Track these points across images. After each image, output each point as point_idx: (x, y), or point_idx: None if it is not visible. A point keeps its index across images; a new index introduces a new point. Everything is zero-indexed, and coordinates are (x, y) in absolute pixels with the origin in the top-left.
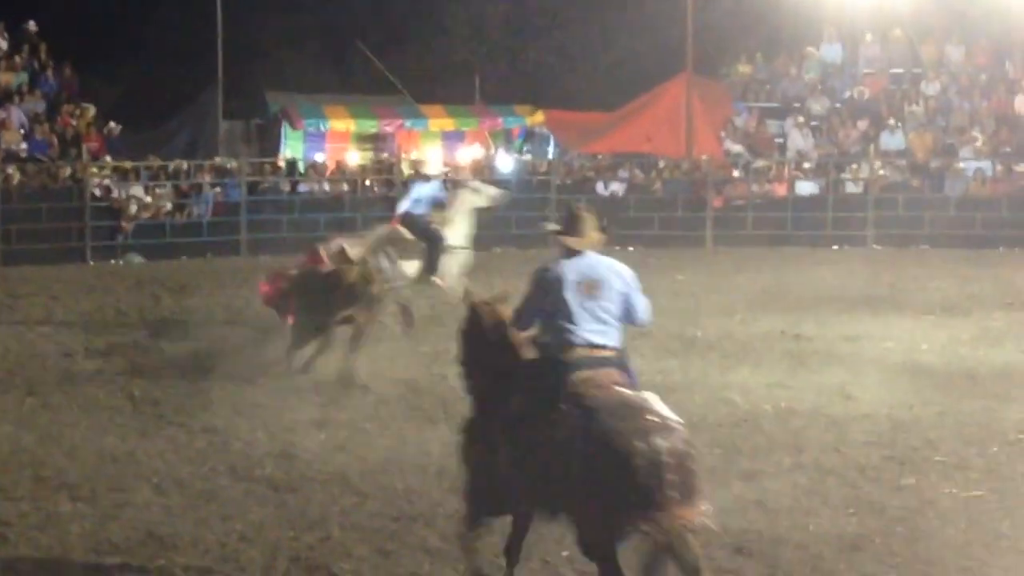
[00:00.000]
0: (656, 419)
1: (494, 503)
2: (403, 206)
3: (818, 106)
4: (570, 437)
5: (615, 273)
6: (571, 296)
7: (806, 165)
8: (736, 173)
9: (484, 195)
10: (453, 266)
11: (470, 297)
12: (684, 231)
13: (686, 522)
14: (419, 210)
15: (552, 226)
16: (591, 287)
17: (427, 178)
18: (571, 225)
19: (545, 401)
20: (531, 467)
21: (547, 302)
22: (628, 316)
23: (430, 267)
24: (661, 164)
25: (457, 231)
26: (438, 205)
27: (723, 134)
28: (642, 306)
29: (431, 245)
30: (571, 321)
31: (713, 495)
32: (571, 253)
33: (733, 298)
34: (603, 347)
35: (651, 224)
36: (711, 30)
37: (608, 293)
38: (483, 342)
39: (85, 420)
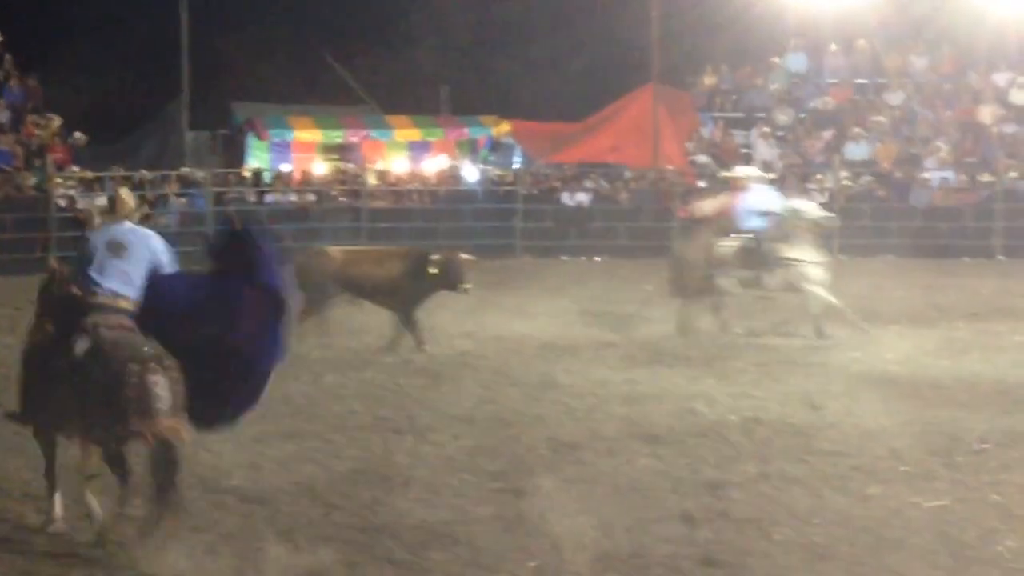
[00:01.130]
0: (151, 351)
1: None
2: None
3: (783, 116)
4: (82, 360)
5: (144, 243)
6: (100, 255)
7: (770, 175)
8: (702, 183)
9: (810, 218)
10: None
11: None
12: (651, 241)
13: (169, 430)
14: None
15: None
16: (117, 249)
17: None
18: (111, 205)
19: (67, 332)
20: (58, 386)
21: (86, 260)
22: (157, 270)
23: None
24: (627, 174)
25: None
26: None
27: (689, 144)
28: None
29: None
30: (100, 274)
31: (681, 505)
32: (111, 223)
33: (699, 308)
34: (123, 297)
35: (618, 234)
36: (677, 40)
37: (133, 256)
38: (50, 294)
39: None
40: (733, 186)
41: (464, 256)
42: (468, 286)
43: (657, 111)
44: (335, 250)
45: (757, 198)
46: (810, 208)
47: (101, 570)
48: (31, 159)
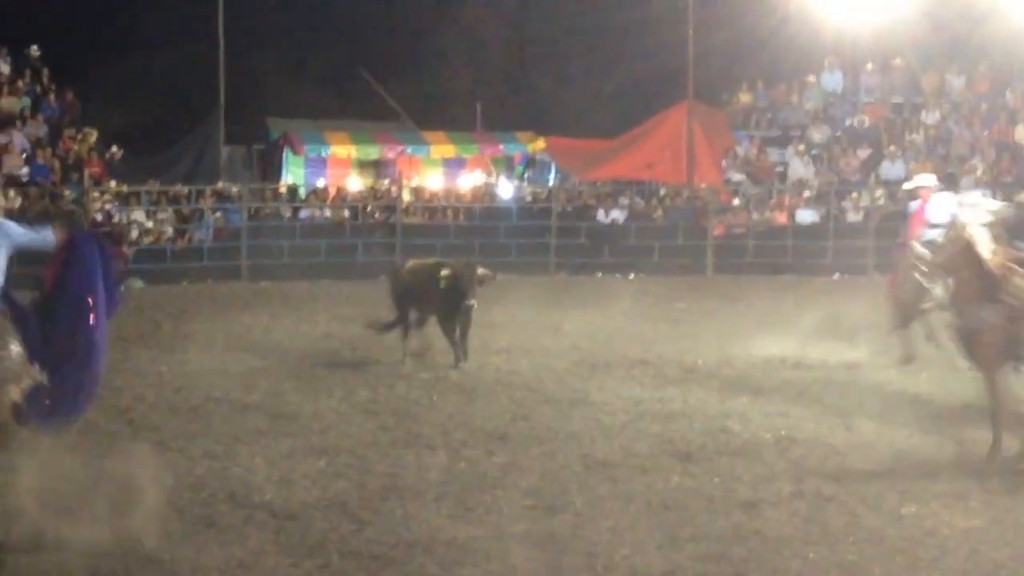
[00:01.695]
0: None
1: None
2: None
3: (819, 134)
4: None
5: (3, 233)
6: None
7: (807, 194)
8: (736, 201)
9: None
10: None
11: None
12: (685, 259)
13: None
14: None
15: None
16: None
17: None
18: None
19: None
20: None
21: None
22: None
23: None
24: (662, 192)
25: None
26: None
27: (724, 162)
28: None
29: None
30: None
31: (714, 523)
32: None
33: (733, 326)
34: None
35: (651, 252)
36: (712, 58)
37: None
38: None
39: (84, 444)
40: (919, 196)
41: (481, 270)
42: (471, 302)
43: (692, 129)
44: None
45: (938, 206)
46: (985, 202)
47: None
48: (68, 173)
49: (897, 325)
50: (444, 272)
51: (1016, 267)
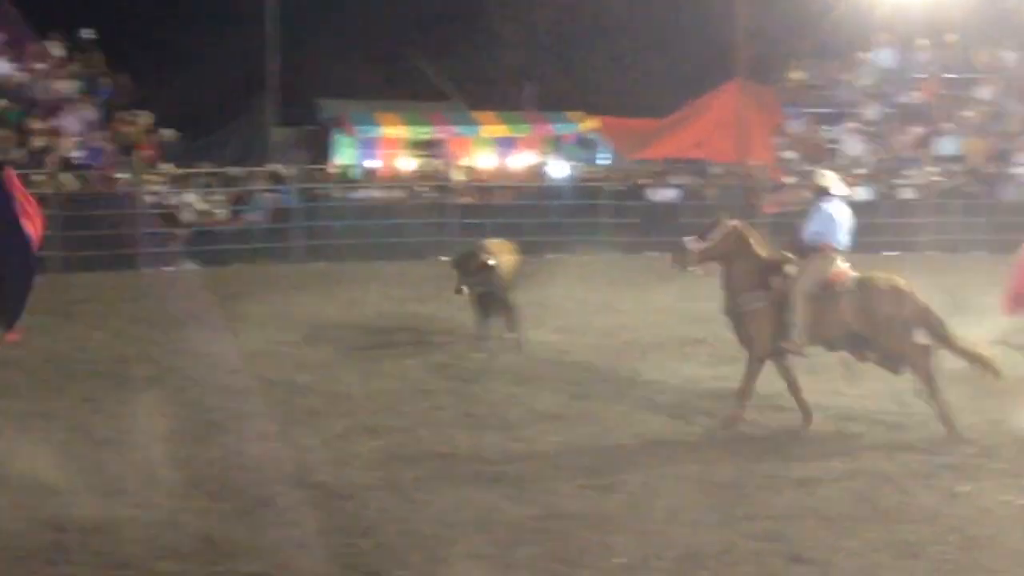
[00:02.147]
0: None
1: None
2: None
3: (871, 111)
4: None
5: None
6: None
7: (860, 171)
8: (788, 179)
9: None
10: None
11: None
12: None
13: None
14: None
15: None
16: None
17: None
18: None
19: None
20: None
21: None
22: None
23: None
24: (714, 170)
25: None
26: None
27: (776, 140)
28: None
29: None
30: None
31: (769, 502)
32: None
33: None
34: None
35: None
36: (763, 35)
37: None
38: None
39: (140, 427)
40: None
41: (483, 255)
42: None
43: (743, 106)
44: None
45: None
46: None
47: (193, 564)
48: (121, 156)
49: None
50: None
51: (788, 255)
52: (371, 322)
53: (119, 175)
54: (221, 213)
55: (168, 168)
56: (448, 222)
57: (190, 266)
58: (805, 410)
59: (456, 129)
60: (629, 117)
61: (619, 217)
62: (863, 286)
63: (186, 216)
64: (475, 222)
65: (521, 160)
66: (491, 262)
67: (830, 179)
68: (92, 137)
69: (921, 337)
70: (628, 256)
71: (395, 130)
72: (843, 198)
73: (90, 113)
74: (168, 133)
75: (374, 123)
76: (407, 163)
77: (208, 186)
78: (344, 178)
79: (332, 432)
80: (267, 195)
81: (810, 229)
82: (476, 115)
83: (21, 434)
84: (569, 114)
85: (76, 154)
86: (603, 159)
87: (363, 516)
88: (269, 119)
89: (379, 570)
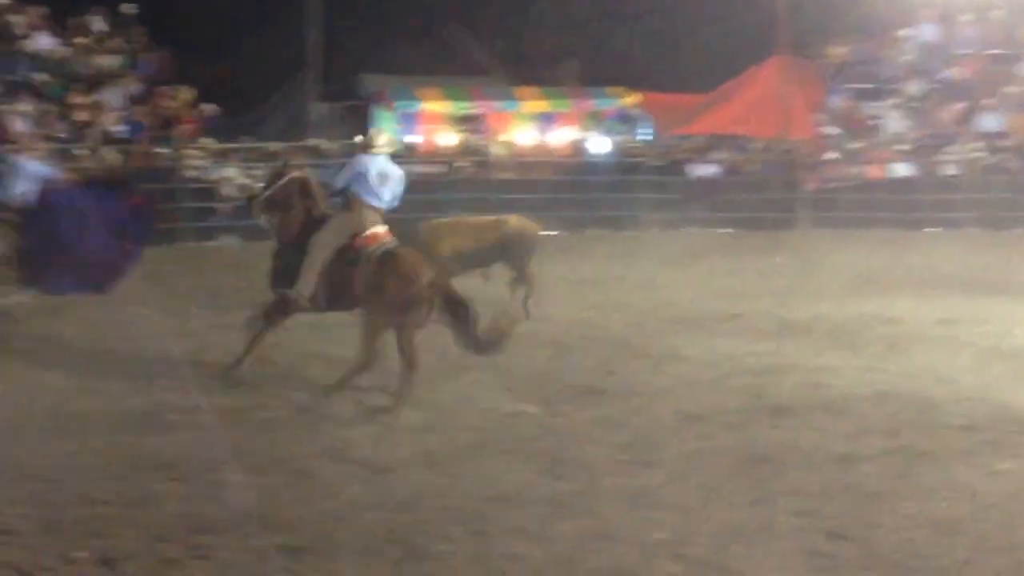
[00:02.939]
0: None
1: None
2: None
3: (914, 87)
4: None
5: None
6: None
7: (902, 147)
8: (831, 155)
9: None
10: None
11: None
12: (779, 213)
13: None
14: None
15: None
16: None
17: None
18: None
19: None
20: None
21: None
22: None
23: None
24: (756, 146)
25: None
26: None
27: (818, 116)
28: None
29: None
30: None
31: (808, 479)
32: None
33: (827, 281)
34: None
35: (744, 206)
36: (805, 10)
37: None
38: None
39: (181, 400)
40: None
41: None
42: None
43: (785, 82)
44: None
45: None
46: None
47: (233, 538)
48: (162, 131)
49: None
50: None
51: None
52: None
53: (160, 150)
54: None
55: (209, 143)
56: (488, 197)
57: (231, 240)
58: (240, 361)
59: (497, 104)
60: (670, 92)
61: (659, 193)
62: (384, 259)
63: (227, 191)
64: (515, 197)
65: (561, 136)
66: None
67: (375, 137)
68: (133, 112)
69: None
70: (668, 232)
71: (436, 105)
72: (388, 157)
73: (131, 88)
74: (209, 108)
75: (415, 98)
76: (447, 138)
77: (249, 161)
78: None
79: (373, 406)
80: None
81: (339, 180)
82: (517, 90)
83: (59, 407)
84: (609, 89)
85: (117, 129)
86: (643, 135)
87: (403, 490)
88: (310, 94)
89: (419, 544)
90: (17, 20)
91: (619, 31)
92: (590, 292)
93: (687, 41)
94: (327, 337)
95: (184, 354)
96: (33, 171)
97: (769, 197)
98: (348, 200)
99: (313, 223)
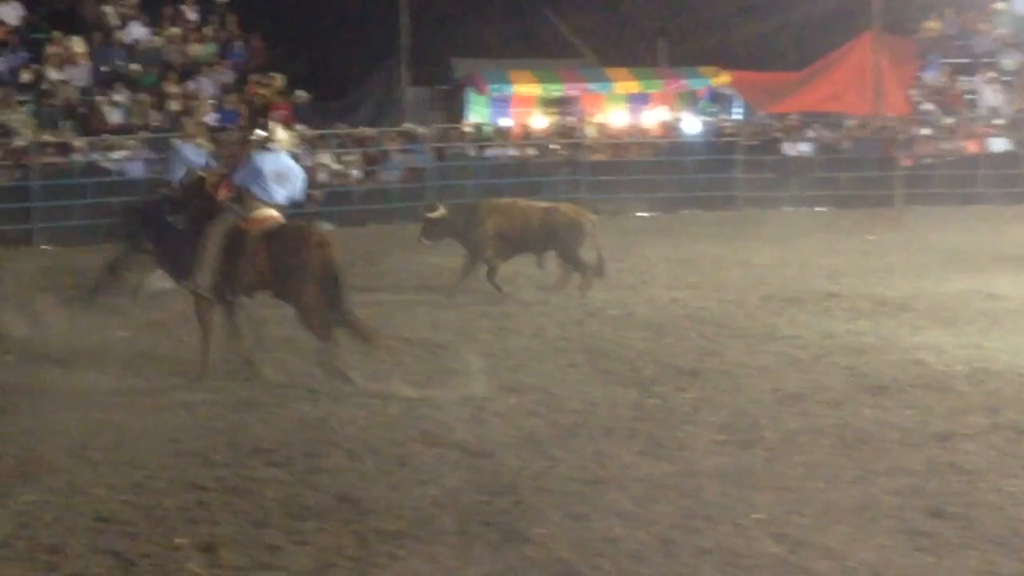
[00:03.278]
0: None
1: None
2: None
3: (1010, 61)
4: None
5: None
6: None
7: (998, 121)
8: (926, 131)
9: None
10: None
11: None
12: (874, 190)
13: None
14: None
15: None
16: None
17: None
18: None
19: None
20: None
21: None
22: None
23: None
24: (850, 123)
25: None
26: None
27: (912, 92)
28: None
29: None
30: None
31: (908, 457)
32: None
33: (924, 258)
34: None
35: (840, 184)
36: None
37: None
38: None
39: (278, 387)
40: None
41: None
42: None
43: (879, 58)
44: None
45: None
46: None
47: (331, 523)
48: (255, 118)
49: None
50: None
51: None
52: (505, 280)
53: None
54: (355, 174)
55: (302, 130)
56: (581, 179)
57: (326, 226)
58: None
59: (589, 86)
60: (762, 70)
61: (753, 172)
62: (278, 233)
63: (320, 177)
64: (608, 179)
65: (654, 116)
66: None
67: (271, 133)
68: (227, 100)
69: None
70: (763, 211)
71: (528, 88)
72: (283, 152)
73: (224, 76)
74: (301, 95)
75: (507, 81)
76: (539, 120)
77: (342, 147)
78: (477, 136)
79: (469, 390)
80: (401, 155)
81: (236, 177)
82: (609, 71)
83: (162, 396)
84: (702, 69)
85: (211, 117)
86: (737, 113)
87: (501, 474)
88: (403, 79)
89: (517, 528)
90: (110, 11)
91: (711, 8)
92: (686, 272)
93: (780, 18)
94: (423, 323)
95: (280, 341)
96: (189, 157)
97: (864, 175)
98: (241, 197)
99: (208, 219)
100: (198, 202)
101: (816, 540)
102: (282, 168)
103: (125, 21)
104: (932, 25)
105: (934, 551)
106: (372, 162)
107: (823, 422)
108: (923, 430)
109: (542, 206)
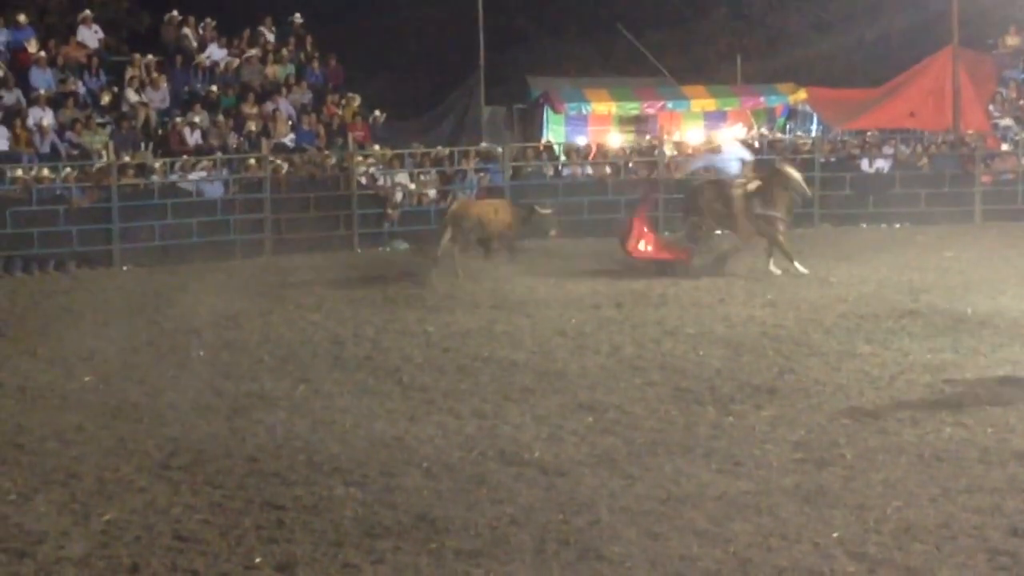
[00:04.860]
0: None
1: None
2: None
3: None
4: None
5: None
6: None
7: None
8: (1005, 147)
9: None
10: None
11: None
12: (952, 207)
13: None
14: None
15: None
16: None
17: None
18: None
19: None
20: None
21: None
22: None
23: None
24: (927, 140)
25: None
26: None
27: (991, 107)
28: None
29: None
30: None
31: (988, 475)
32: None
33: (1004, 274)
34: None
35: (918, 201)
36: (977, 1)
37: None
38: None
39: (356, 406)
40: None
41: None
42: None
43: (957, 74)
44: None
45: None
46: None
47: (408, 542)
48: (333, 138)
49: None
50: None
51: None
52: (583, 298)
53: (331, 157)
54: (432, 193)
55: (379, 149)
56: (658, 197)
57: (402, 246)
58: None
59: (666, 104)
60: (840, 87)
61: (831, 189)
62: None
63: (397, 196)
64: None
65: (731, 134)
66: None
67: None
68: (304, 120)
69: None
70: (840, 228)
71: (604, 106)
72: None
73: (302, 97)
74: (378, 114)
75: (583, 99)
76: (616, 139)
77: (418, 166)
78: (553, 155)
79: (546, 409)
80: (478, 174)
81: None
82: (685, 89)
83: (239, 415)
84: (779, 86)
85: (289, 138)
86: (815, 130)
87: (577, 492)
88: (479, 98)
89: (594, 547)
90: (189, 33)
91: (787, 25)
92: (763, 290)
93: (857, 35)
94: (501, 342)
95: (357, 359)
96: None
97: (942, 191)
98: None
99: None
100: None
101: (895, 559)
102: None
103: (204, 43)
104: (1011, 40)
105: (1014, 570)
106: (448, 181)
107: (901, 440)
108: (1003, 448)
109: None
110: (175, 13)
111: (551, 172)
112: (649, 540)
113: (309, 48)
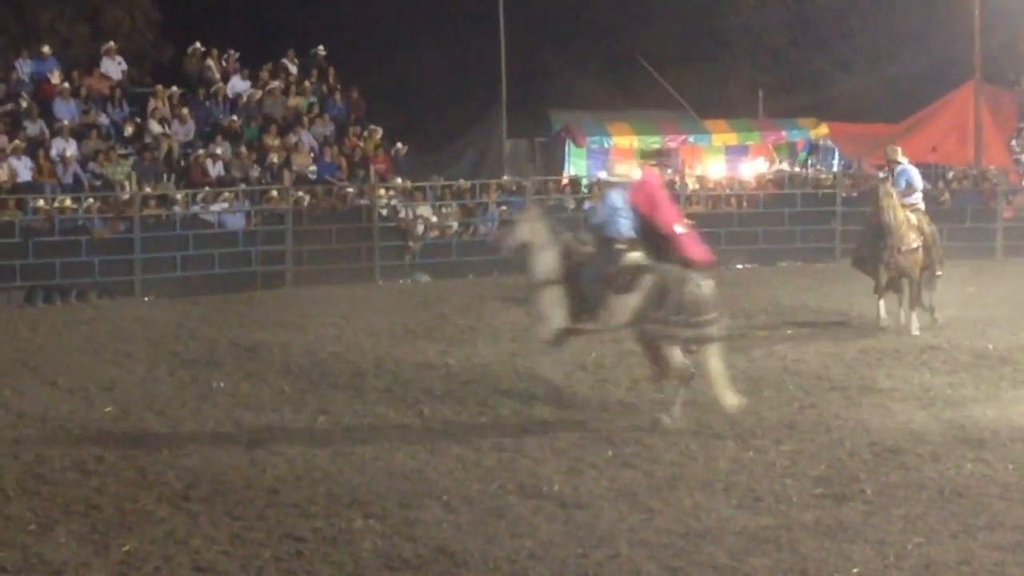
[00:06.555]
0: None
1: None
2: None
3: None
4: None
5: None
6: None
7: None
8: None
9: None
10: None
11: None
12: (973, 242)
13: None
14: None
15: None
16: None
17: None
18: None
19: None
20: None
21: None
22: None
23: None
24: (949, 175)
25: None
26: None
27: (1013, 143)
28: None
29: None
30: None
31: (1009, 512)
32: None
33: None
34: None
35: (939, 236)
36: (997, 37)
37: None
38: None
39: (376, 438)
40: None
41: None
42: None
43: (979, 110)
44: None
45: None
46: None
47: (427, 575)
48: (355, 170)
49: None
50: None
51: None
52: (601, 333)
53: (353, 189)
54: (453, 226)
55: (400, 182)
56: None
57: (423, 278)
58: None
59: (687, 138)
60: (862, 122)
61: (852, 224)
62: None
63: (419, 229)
64: (707, 231)
65: (752, 168)
66: None
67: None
68: (326, 152)
69: None
70: None
71: (626, 140)
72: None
73: (324, 129)
74: (400, 147)
75: (605, 133)
76: (638, 173)
77: (440, 199)
78: (575, 189)
79: (565, 442)
80: (499, 207)
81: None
82: (707, 123)
83: (259, 446)
84: (801, 121)
85: (311, 170)
86: (834, 165)
87: (596, 526)
88: (501, 131)
89: None
90: (212, 64)
91: (809, 61)
92: (784, 325)
93: (880, 70)
94: (520, 375)
95: (377, 391)
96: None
97: (964, 226)
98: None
99: None
100: None
101: None
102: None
103: (227, 75)
104: None
105: None
106: (470, 214)
107: (922, 476)
108: None
109: None
110: (198, 45)
111: (573, 205)
112: (668, 575)
113: (332, 80)
